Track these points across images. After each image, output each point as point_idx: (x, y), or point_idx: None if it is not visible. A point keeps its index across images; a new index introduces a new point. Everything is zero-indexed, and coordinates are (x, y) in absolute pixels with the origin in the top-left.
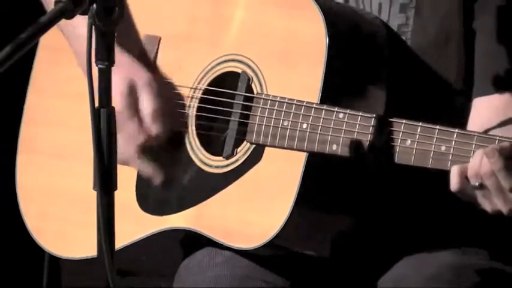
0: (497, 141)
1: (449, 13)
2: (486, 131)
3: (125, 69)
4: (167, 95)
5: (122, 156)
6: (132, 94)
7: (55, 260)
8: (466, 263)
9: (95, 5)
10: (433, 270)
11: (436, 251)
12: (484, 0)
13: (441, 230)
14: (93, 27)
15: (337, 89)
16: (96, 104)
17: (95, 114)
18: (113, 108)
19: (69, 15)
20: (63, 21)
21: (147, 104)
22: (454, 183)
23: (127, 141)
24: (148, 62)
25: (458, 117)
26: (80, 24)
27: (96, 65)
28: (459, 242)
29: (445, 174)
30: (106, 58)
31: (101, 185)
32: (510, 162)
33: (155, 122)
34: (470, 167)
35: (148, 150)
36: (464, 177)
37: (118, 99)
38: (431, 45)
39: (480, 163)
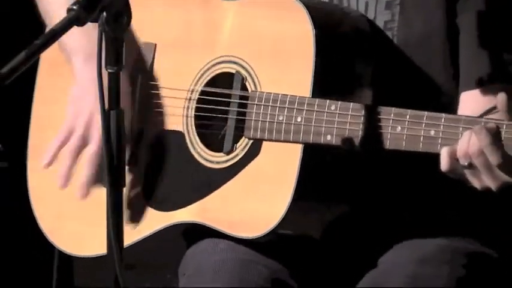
0: (483, 122)
1: (433, 9)
2: None
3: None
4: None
5: None
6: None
7: (67, 260)
8: (457, 246)
9: (104, 13)
10: (426, 253)
11: (428, 236)
12: None
13: (432, 219)
14: (103, 33)
15: (327, 84)
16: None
17: (105, 115)
18: (122, 110)
19: (81, 23)
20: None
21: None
22: (444, 164)
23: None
24: (144, 69)
25: (444, 110)
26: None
27: (106, 69)
28: (448, 230)
29: (435, 160)
30: (115, 63)
31: (110, 182)
32: (496, 140)
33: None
34: (459, 147)
35: None
36: (453, 158)
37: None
38: (417, 40)
39: (468, 143)
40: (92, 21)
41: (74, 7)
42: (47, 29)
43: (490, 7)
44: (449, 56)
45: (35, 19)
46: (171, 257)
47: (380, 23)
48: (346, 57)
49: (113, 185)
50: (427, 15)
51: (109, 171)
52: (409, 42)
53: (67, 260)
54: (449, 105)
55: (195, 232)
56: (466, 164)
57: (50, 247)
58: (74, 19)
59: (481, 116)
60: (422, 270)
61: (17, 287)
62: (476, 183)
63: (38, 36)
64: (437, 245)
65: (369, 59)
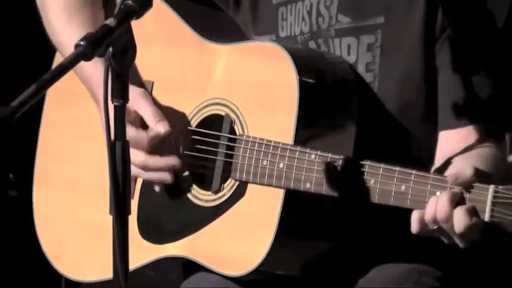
0: (449, 182)
1: (412, 52)
2: (448, 161)
3: None
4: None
5: (133, 169)
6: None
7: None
8: (424, 269)
9: (111, 48)
10: (397, 274)
11: (401, 262)
12: (443, 41)
13: (404, 249)
14: (109, 68)
15: (310, 131)
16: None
17: (111, 146)
18: (127, 141)
19: (88, 58)
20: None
21: (145, 109)
22: (414, 228)
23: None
24: None
25: (424, 150)
26: (85, 65)
27: (112, 102)
28: (419, 260)
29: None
30: (121, 96)
31: (116, 210)
32: (461, 210)
33: (159, 121)
34: (427, 213)
35: (154, 153)
36: (423, 222)
37: None
38: (397, 81)
39: (435, 209)
40: (98, 56)
41: (82, 43)
42: (59, 57)
43: (467, 48)
44: (428, 96)
45: (35, 19)
46: (166, 283)
47: (362, 64)
48: (329, 105)
49: (119, 213)
50: (406, 57)
51: (115, 200)
52: (390, 83)
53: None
54: (427, 144)
55: (188, 264)
56: (435, 228)
57: (58, 275)
58: (82, 54)
59: (459, 154)
60: None
61: None
62: (445, 240)
63: (37, 36)
64: (405, 267)
65: (351, 105)
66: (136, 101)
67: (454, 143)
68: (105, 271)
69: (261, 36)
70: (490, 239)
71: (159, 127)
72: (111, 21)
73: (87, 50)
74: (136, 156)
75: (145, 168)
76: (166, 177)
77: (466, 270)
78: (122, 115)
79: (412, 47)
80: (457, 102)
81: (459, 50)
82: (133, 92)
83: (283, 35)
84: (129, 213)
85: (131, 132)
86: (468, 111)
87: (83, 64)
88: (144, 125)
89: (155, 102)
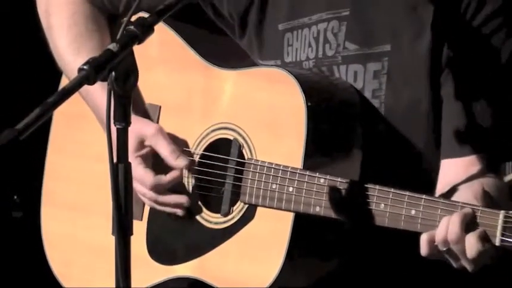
0: (459, 207)
1: (418, 80)
2: (452, 188)
3: (132, 125)
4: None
5: (145, 200)
6: (141, 146)
7: None
8: None
9: (113, 73)
10: None
11: (410, 285)
12: (449, 72)
13: (413, 272)
14: (112, 91)
15: (318, 154)
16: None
17: (114, 168)
18: (129, 163)
19: (91, 82)
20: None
21: (163, 147)
22: (424, 250)
23: (140, 187)
24: None
25: (428, 176)
26: (92, 91)
27: (115, 125)
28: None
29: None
30: (123, 119)
31: (118, 231)
32: (472, 228)
33: (179, 157)
34: (438, 234)
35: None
36: (433, 243)
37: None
38: (403, 108)
39: (446, 230)
40: (101, 80)
41: (85, 67)
42: (65, 79)
43: (471, 80)
44: (433, 124)
45: (35, 19)
46: None
47: (368, 91)
48: (336, 129)
49: (121, 233)
50: (412, 85)
51: (117, 220)
52: (395, 110)
53: None
54: (431, 171)
55: (199, 285)
56: (444, 249)
57: None
58: (85, 78)
59: (461, 183)
60: None
61: None
62: (454, 264)
63: (36, 36)
64: None
65: (358, 129)
66: (155, 137)
67: (457, 172)
68: None
69: (266, 61)
70: (499, 263)
71: (179, 162)
72: (113, 46)
73: (90, 74)
74: (145, 192)
75: (155, 203)
76: (178, 212)
77: None
78: (124, 138)
79: (418, 75)
80: (460, 131)
81: (462, 80)
82: (150, 127)
83: (288, 60)
84: (132, 233)
85: (140, 171)
86: (471, 140)
87: (93, 92)
88: (154, 163)
89: (163, 127)
